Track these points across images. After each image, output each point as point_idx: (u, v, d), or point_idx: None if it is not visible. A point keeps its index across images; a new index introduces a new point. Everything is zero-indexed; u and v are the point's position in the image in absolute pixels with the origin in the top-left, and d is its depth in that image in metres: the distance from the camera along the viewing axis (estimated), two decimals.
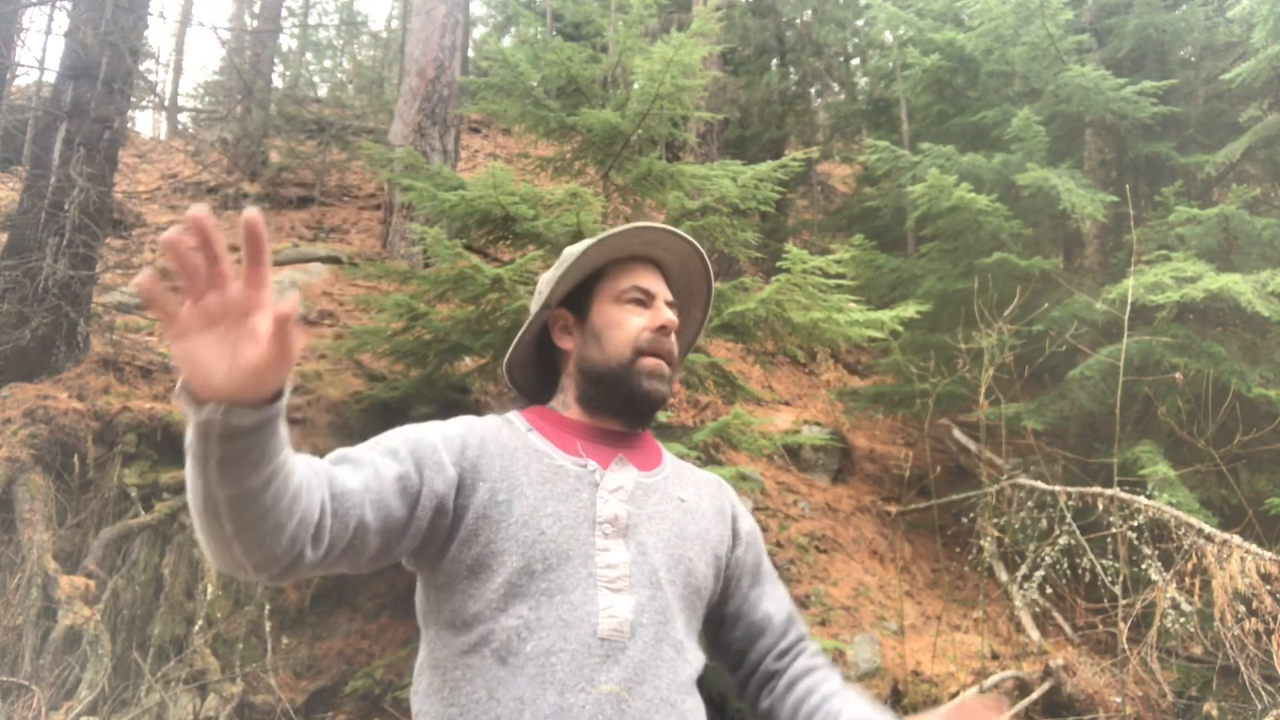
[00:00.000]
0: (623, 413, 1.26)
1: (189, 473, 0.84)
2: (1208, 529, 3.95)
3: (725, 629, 1.29)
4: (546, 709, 1.00)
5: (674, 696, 1.09)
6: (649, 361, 1.24)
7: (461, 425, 1.19)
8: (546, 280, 1.33)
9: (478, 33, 13.82)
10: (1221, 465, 4.58)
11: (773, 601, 1.31)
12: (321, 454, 1.05)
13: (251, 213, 0.74)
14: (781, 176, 4.05)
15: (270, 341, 0.77)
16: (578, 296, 1.31)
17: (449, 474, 1.10)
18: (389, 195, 7.30)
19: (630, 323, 1.26)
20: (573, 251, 1.29)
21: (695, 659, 1.17)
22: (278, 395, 0.83)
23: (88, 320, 4.26)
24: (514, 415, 1.27)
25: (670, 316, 1.27)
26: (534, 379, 1.37)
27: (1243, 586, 3.65)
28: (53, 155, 4.13)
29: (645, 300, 1.28)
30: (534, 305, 1.34)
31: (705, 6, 4.60)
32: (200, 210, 0.73)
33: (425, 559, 1.12)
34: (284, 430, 0.86)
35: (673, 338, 1.28)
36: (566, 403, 1.29)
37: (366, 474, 1.03)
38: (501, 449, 1.17)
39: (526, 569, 1.07)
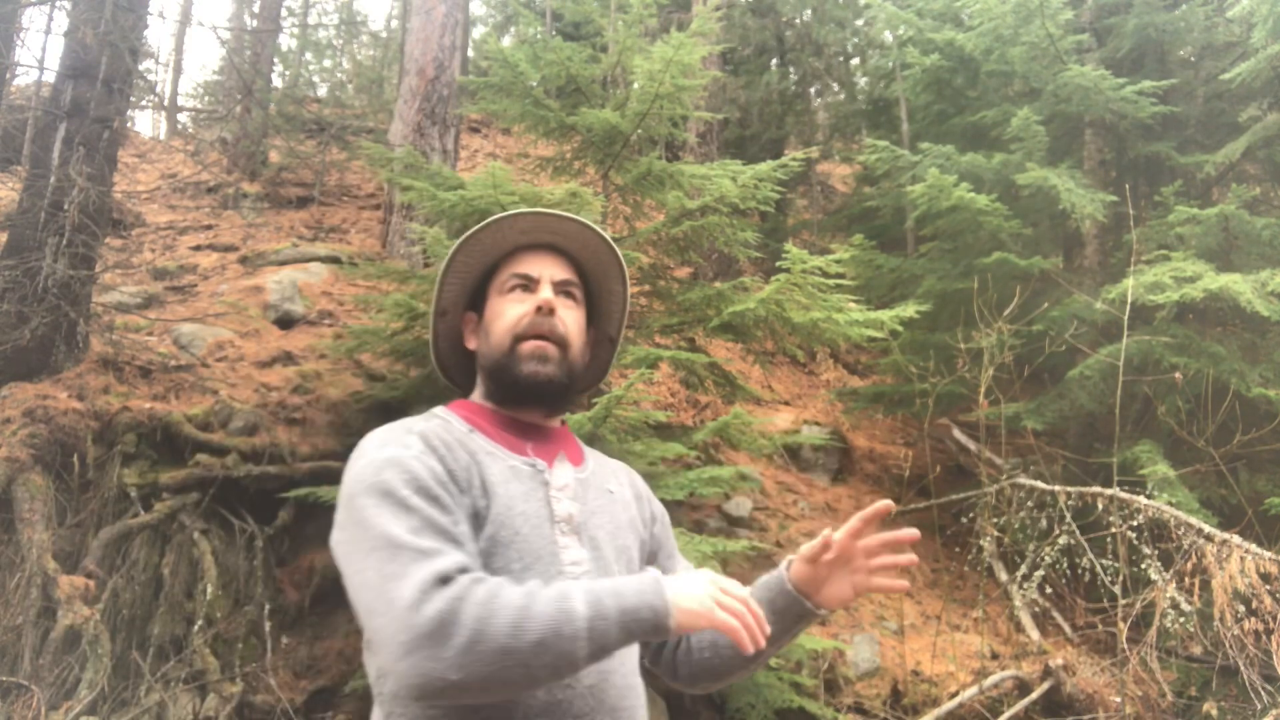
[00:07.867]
0: (519, 401, 1.26)
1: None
2: (1207, 529, 3.95)
3: None
4: (537, 705, 1.06)
5: (632, 680, 1.19)
6: (528, 345, 1.23)
7: (424, 440, 1.14)
8: (436, 284, 1.34)
9: (478, 32, 13.81)
10: (1221, 465, 4.58)
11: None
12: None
13: None
14: (781, 176, 4.05)
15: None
16: (481, 297, 1.32)
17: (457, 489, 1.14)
18: (389, 195, 7.29)
19: (509, 311, 1.26)
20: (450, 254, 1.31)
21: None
22: None
23: (87, 320, 4.25)
24: (445, 413, 1.26)
25: (546, 295, 1.25)
26: (467, 380, 1.38)
27: (1242, 586, 3.65)
28: (52, 155, 4.12)
29: (528, 285, 1.27)
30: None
31: (705, 6, 4.60)
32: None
33: None
34: None
35: (559, 317, 1.25)
36: (484, 400, 1.31)
37: (470, 550, 1.08)
38: (466, 453, 1.17)
39: (505, 570, 1.10)
